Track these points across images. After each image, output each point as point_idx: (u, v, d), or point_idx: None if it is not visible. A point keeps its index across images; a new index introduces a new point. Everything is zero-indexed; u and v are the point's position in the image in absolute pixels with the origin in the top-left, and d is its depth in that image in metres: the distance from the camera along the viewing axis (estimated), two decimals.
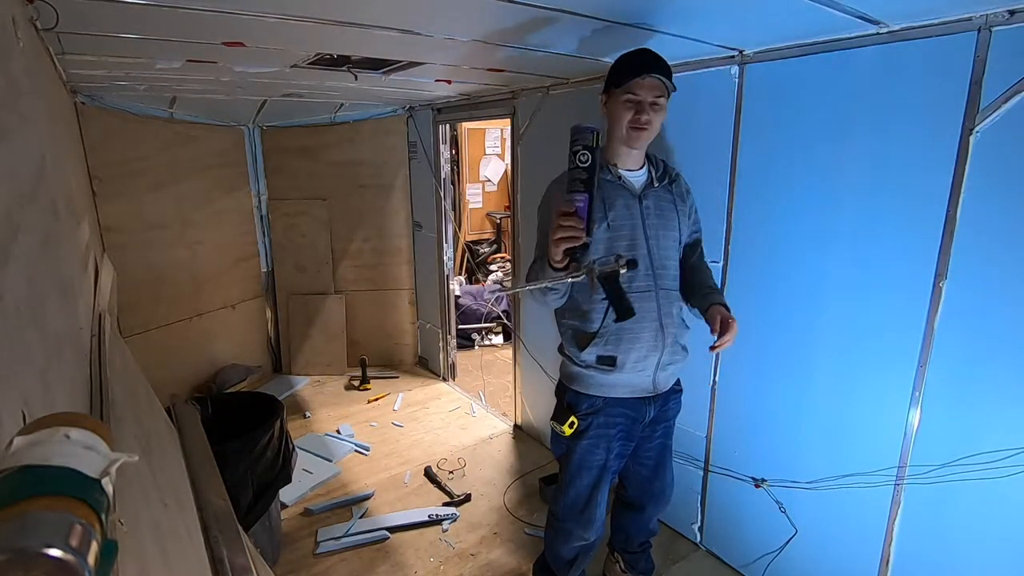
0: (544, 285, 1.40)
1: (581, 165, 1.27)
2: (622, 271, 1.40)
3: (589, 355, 1.58)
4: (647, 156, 1.64)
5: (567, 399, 1.67)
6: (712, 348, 1.51)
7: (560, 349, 1.70)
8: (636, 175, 1.61)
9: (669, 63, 1.49)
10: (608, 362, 1.58)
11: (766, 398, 1.96)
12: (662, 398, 1.69)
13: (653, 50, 1.51)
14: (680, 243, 1.66)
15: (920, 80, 1.46)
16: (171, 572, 0.80)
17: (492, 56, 2.01)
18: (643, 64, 1.48)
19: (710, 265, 1.80)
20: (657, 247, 1.59)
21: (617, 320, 1.46)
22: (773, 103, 1.80)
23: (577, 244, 1.29)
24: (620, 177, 1.58)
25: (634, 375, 1.60)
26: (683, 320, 1.68)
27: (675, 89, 1.50)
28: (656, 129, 1.53)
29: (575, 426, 1.63)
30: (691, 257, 1.73)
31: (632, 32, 1.59)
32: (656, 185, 1.62)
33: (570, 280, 1.37)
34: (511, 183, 3.17)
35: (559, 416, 1.65)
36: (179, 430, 1.67)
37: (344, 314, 4.09)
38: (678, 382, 1.78)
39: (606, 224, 1.53)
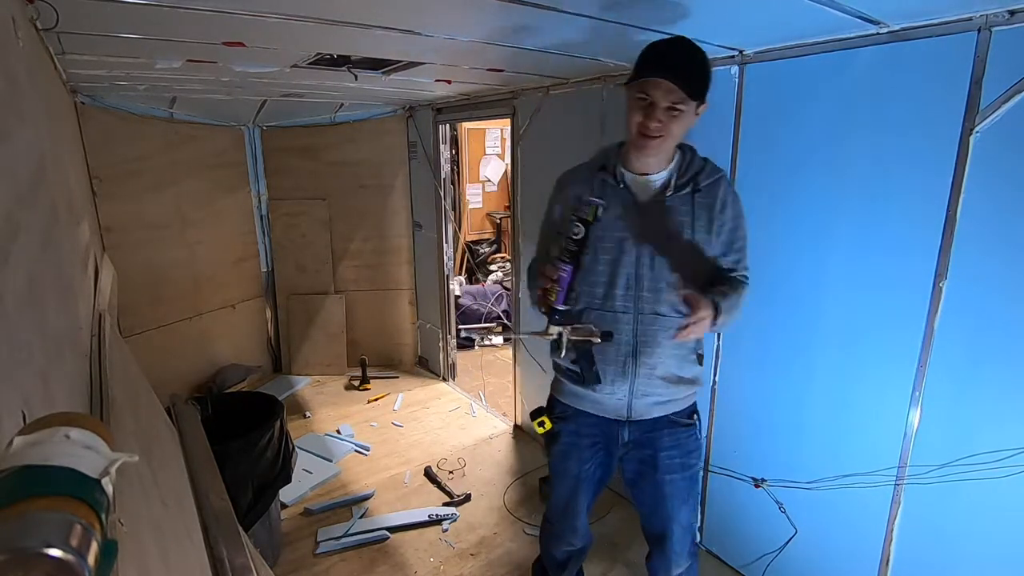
0: (518, 337, 1.44)
1: (573, 237, 1.28)
2: (595, 342, 1.38)
3: (564, 362, 1.51)
4: (684, 152, 1.43)
5: (548, 400, 1.64)
6: (678, 332, 1.35)
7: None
8: (648, 179, 1.41)
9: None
10: (578, 376, 1.49)
11: (766, 398, 1.96)
12: (644, 425, 1.51)
13: (689, 41, 1.31)
14: (690, 266, 1.41)
15: (920, 80, 1.46)
16: (171, 572, 0.80)
17: (492, 56, 2.01)
18: (660, 62, 1.26)
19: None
20: (650, 265, 1.39)
21: (583, 384, 1.47)
22: (773, 103, 1.80)
23: (551, 305, 1.31)
24: (622, 183, 1.42)
25: (603, 396, 1.48)
26: (685, 350, 1.46)
27: (702, 102, 1.30)
28: (673, 137, 1.33)
29: (545, 427, 1.59)
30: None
31: (632, 32, 1.59)
32: (671, 193, 1.39)
33: (545, 337, 1.39)
34: (511, 183, 3.17)
35: (535, 413, 1.62)
36: (179, 430, 1.67)
37: (344, 314, 4.08)
38: (688, 414, 1.53)
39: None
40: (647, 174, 1.41)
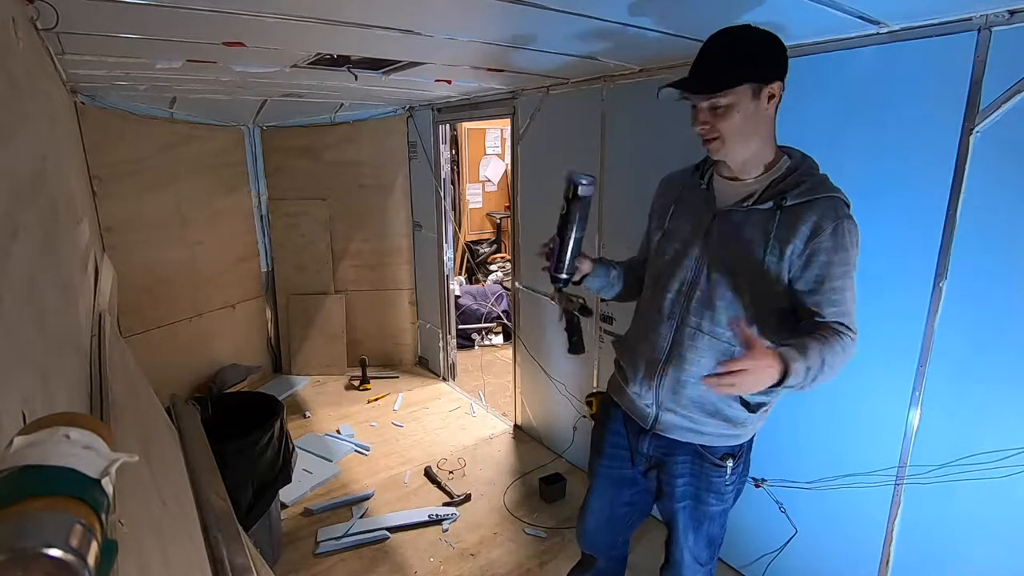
0: (523, 288, 1.50)
1: (561, 212, 1.34)
2: (574, 312, 1.47)
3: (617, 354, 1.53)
4: (793, 160, 1.27)
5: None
6: (706, 377, 1.10)
7: None
8: (736, 185, 1.28)
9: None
10: (620, 371, 1.49)
11: None
12: (665, 443, 1.40)
13: (728, 29, 1.20)
14: (755, 290, 1.23)
15: (920, 80, 1.46)
16: (171, 572, 0.80)
17: (492, 56, 2.01)
18: (696, 62, 1.19)
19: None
20: (707, 277, 1.27)
21: (568, 351, 1.53)
22: None
23: (548, 270, 1.40)
24: (704, 185, 1.34)
25: (634, 396, 1.42)
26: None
27: (760, 85, 1.16)
28: (734, 135, 1.20)
29: (591, 407, 1.61)
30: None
31: (631, 31, 1.59)
32: (751, 204, 1.23)
33: (548, 297, 1.47)
34: (511, 183, 3.17)
35: (592, 394, 1.66)
36: (179, 430, 1.67)
37: (344, 314, 4.09)
38: (720, 455, 1.36)
39: (662, 231, 1.41)
40: (736, 179, 1.28)
